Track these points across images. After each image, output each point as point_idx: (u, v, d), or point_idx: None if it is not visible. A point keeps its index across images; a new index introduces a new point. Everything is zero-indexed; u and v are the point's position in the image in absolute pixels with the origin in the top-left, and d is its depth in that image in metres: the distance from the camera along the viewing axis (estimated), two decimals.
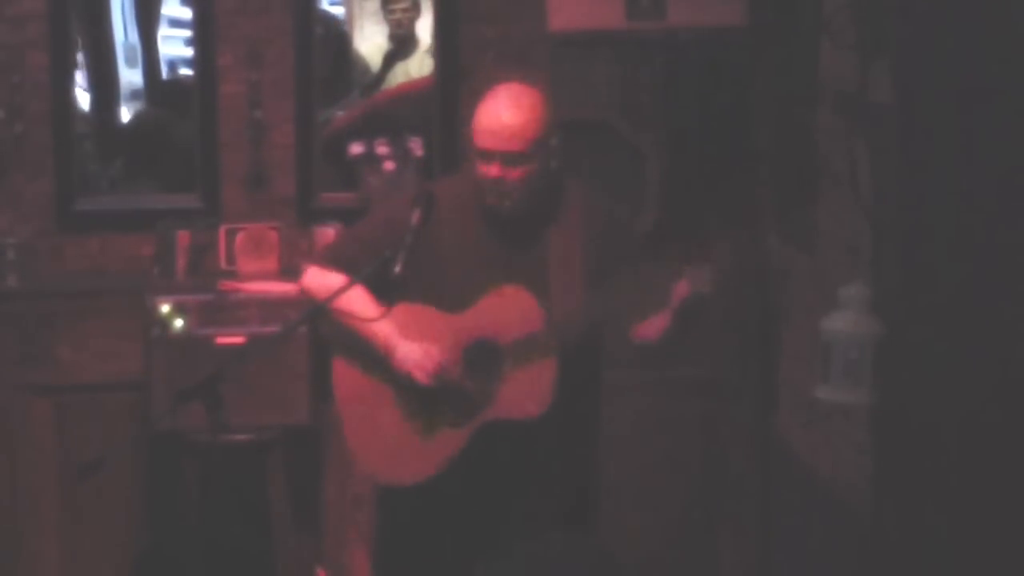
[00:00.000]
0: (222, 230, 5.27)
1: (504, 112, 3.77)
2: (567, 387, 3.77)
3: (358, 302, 3.79)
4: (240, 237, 5.25)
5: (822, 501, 4.63)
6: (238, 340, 4.96)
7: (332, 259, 3.92)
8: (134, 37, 6.32)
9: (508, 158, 3.74)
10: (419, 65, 5.80)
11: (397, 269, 3.69)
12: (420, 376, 3.77)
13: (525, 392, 3.75)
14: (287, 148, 5.38)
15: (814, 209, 4.72)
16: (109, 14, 6.15)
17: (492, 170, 3.74)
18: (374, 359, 3.84)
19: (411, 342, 3.79)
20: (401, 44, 5.90)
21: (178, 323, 5.01)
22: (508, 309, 3.76)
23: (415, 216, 3.78)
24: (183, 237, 5.26)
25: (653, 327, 3.84)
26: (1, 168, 5.27)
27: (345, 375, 3.91)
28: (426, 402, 3.82)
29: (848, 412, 4.29)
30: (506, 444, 3.78)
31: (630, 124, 5.30)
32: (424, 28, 5.77)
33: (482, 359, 3.78)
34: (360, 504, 5.20)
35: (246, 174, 5.37)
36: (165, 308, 5.01)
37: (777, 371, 5.21)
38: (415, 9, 5.87)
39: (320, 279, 3.90)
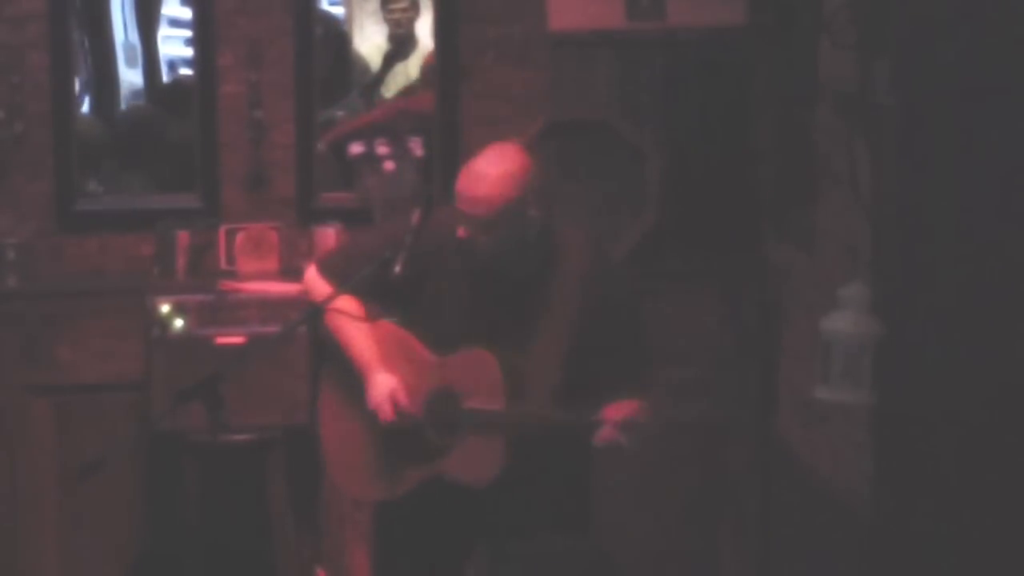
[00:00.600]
0: (222, 230, 5.27)
1: (479, 178, 3.74)
2: (528, 466, 3.80)
3: (358, 332, 3.91)
4: (240, 237, 5.24)
5: (822, 501, 4.63)
6: (238, 340, 4.96)
7: (331, 272, 3.96)
8: (134, 37, 6.32)
9: (476, 223, 3.73)
10: (419, 65, 5.80)
11: (397, 269, 3.70)
12: (380, 414, 3.86)
13: (474, 461, 3.81)
14: (287, 148, 5.38)
15: (814, 209, 4.72)
16: (109, 14, 6.15)
17: (460, 230, 3.75)
18: (356, 378, 3.92)
19: (386, 374, 3.86)
20: (400, 44, 5.90)
21: (178, 323, 5.01)
22: (479, 373, 3.79)
23: (415, 216, 3.78)
24: (183, 237, 5.26)
25: (622, 409, 3.86)
26: (1, 168, 5.27)
27: (333, 383, 4.01)
28: (392, 431, 3.89)
29: (848, 412, 4.29)
30: (458, 498, 3.87)
31: (630, 124, 5.30)
32: (424, 28, 5.77)
33: (444, 409, 3.84)
34: (360, 504, 5.20)
35: (246, 174, 5.37)
36: (165, 308, 5.01)
37: (777, 371, 5.21)
38: (414, 9, 5.87)
39: (318, 285, 3.97)
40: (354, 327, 3.88)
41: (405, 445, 3.88)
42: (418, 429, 3.85)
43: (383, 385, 3.85)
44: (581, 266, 3.87)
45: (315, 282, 3.98)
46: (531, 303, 3.82)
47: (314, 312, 3.78)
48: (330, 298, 3.84)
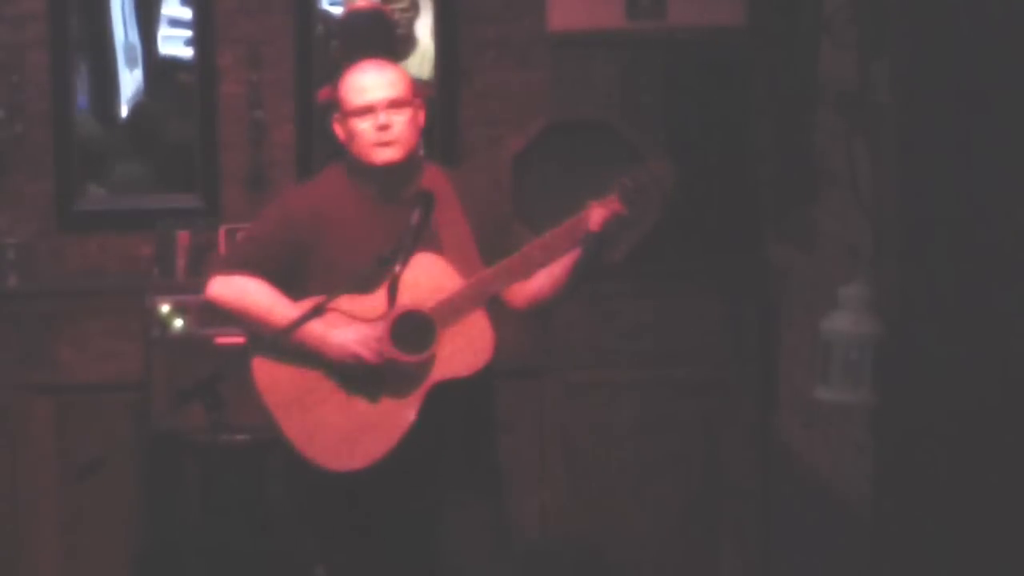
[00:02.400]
0: (222, 230, 5.27)
1: (376, 67, 3.88)
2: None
3: (276, 303, 3.81)
4: (240, 237, 5.24)
5: (822, 501, 4.63)
6: (238, 340, 4.94)
7: (241, 264, 3.88)
8: (134, 37, 6.31)
9: (392, 104, 3.81)
10: (418, 65, 5.80)
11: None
12: (368, 355, 3.76)
13: (464, 347, 3.78)
14: (287, 148, 5.39)
15: (814, 209, 4.72)
16: (109, 14, 6.14)
17: (379, 118, 3.79)
18: (303, 356, 3.82)
19: (341, 328, 3.78)
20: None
21: (178, 323, 5.01)
22: (422, 277, 3.77)
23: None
24: (183, 237, 5.26)
25: (547, 277, 3.87)
26: (1, 168, 5.28)
27: (272, 376, 3.85)
28: (367, 380, 3.81)
29: (848, 412, 4.29)
30: (454, 406, 3.80)
31: (630, 124, 5.30)
32: (424, 28, 5.77)
33: (411, 330, 3.79)
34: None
35: (246, 174, 5.37)
36: (165, 308, 5.01)
37: (777, 371, 5.21)
38: (414, 9, 5.87)
39: (229, 287, 3.86)
40: (285, 310, 3.79)
41: (382, 385, 3.81)
42: (394, 366, 3.78)
43: (348, 335, 3.77)
44: (449, 174, 3.97)
45: (227, 285, 3.85)
46: (419, 221, 3.80)
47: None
48: (320, 305, 3.74)
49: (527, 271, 3.82)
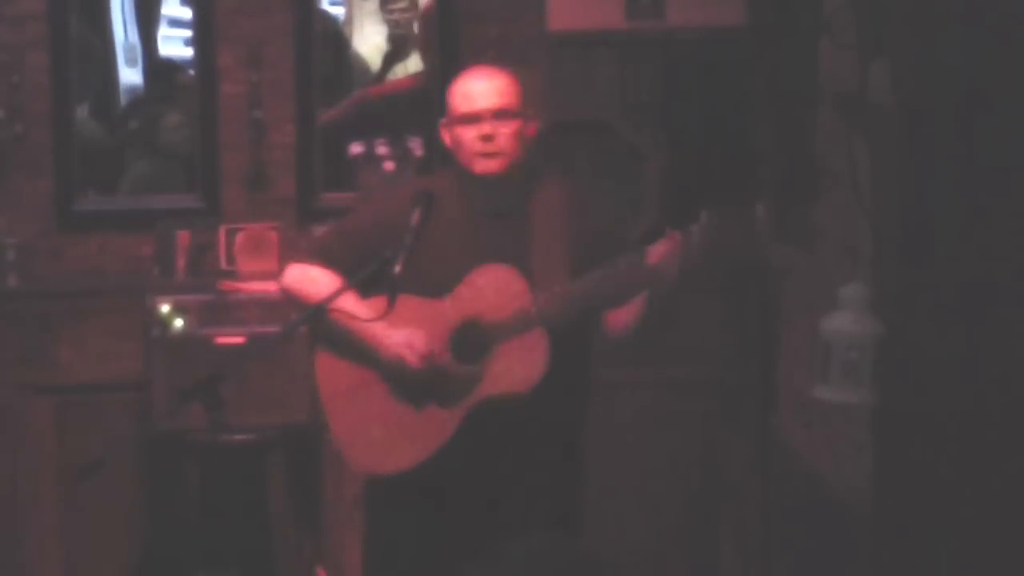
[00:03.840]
0: (222, 230, 5.27)
1: (485, 75, 3.82)
2: (555, 367, 3.73)
3: (348, 300, 3.78)
4: (240, 237, 5.25)
5: (822, 501, 4.63)
6: (238, 340, 4.96)
7: (318, 254, 3.88)
8: (134, 37, 6.32)
9: (499, 114, 3.75)
10: (418, 65, 5.80)
11: (397, 269, 3.69)
12: (411, 359, 3.73)
13: (515, 366, 3.72)
14: (287, 148, 5.39)
15: (814, 209, 4.72)
16: (109, 14, 6.15)
17: (484, 128, 3.74)
18: (360, 353, 3.81)
19: (397, 329, 3.76)
20: (400, 44, 5.90)
21: (178, 323, 5.01)
22: (491, 288, 3.74)
23: (415, 216, 3.77)
24: (183, 237, 5.26)
25: (627, 311, 3.80)
26: (1, 168, 5.28)
27: (331, 369, 3.87)
28: (416, 386, 3.78)
29: (848, 412, 4.29)
30: (498, 426, 3.75)
31: (630, 124, 5.31)
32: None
33: (470, 340, 3.76)
34: (360, 504, 5.20)
35: (246, 174, 5.38)
36: (165, 308, 5.01)
37: (777, 371, 5.21)
38: (414, 9, 5.87)
39: (303, 276, 3.86)
40: (355, 308, 3.76)
41: (430, 393, 3.77)
42: (442, 374, 3.74)
43: (400, 336, 3.74)
44: (569, 191, 3.88)
45: (301, 274, 3.86)
46: (524, 228, 3.77)
47: (314, 312, 3.75)
48: (338, 291, 3.72)
49: (596, 305, 3.74)
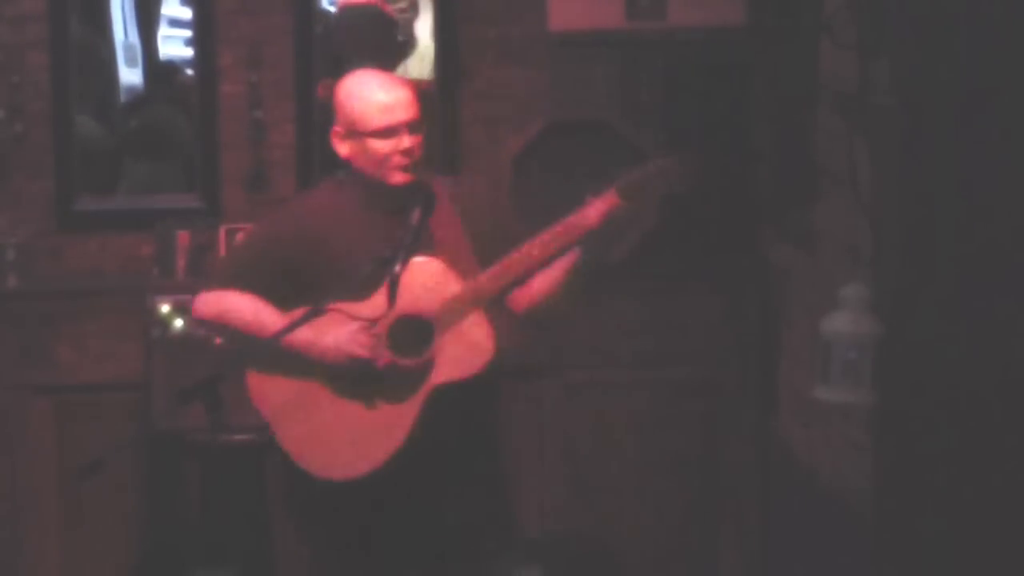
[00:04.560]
0: (222, 230, 5.27)
1: (391, 85, 3.79)
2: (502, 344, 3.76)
3: (265, 313, 3.76)
4: (240, 237, 5.24)
5: (822, 501, 4.64)
6: None
7: (232, 280, 3.80)
8: (134, 37, 6.32)
9: (412, 126, 3.76)
10: (418, 65, 5.80)
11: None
12: (359, 350, 3.70)
13: (463, 350, 3.72)
14: (287, 148, 5.39)
15: (814, 209, 4.72)
16: (109, 14, 6.15)
17: (404, 141, 3.74)
18: (294, 363, 3.76)
19: (333, 331, 3.73)
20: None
21: (178, 323, 5.01)
22: (418, 281, 3.73)
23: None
24: (183, 237, 5.26)
25: (538, 282, 3.81)
26: (1, 168, 5.28)
27: (266, 387, 3.81)
28: (364, 385, 3.76)
29: (848, 412, 4.29)
30: (453, 416, 3.76)
31: (630, 124, 5.31)
32: (424, 28, 5.77)
33: (408, 335, 3.75)
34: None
35: (246, 174, 5.37)
36: (165, 308, 5.01)
37: (777, 371, 5.21)
38: (413, 9, 5.87)
39: (212, 302, 3.80)
40: (265, 312, 3.75)
41: (380, 389, 3.76)
42: (391, 368, 3.72)
43: (339, 335, 3.71)
44: (449, 188, 3.90)
45: (216, 302, 3.79)
46: (419, 220, 3.76)
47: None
48: (308, 314, 3.67)
49: (525, 271, 3.75)
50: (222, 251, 5.25)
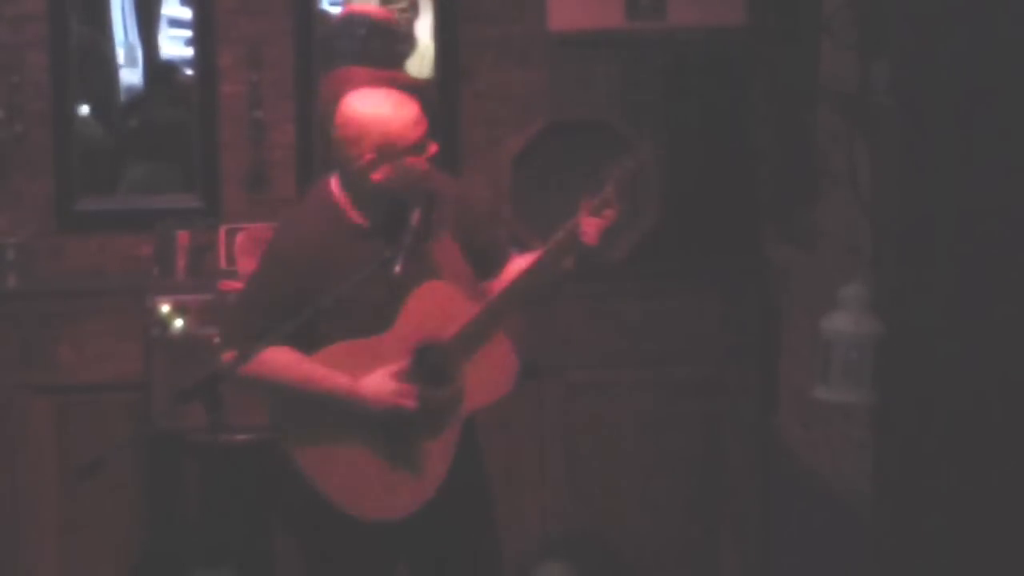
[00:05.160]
0: (222, 230, 5.27)
1: (404, 105, 3.79)
2: None
3: (303, 365, 3.74)
4: (240, 237, 5.24)
5: (822, 501, 4.63)
6: None
7: (252, 336, 3.72)
8: (134, 37, 6.31)
9: (417, 148, 3.78)
10: (418, 65, 5.80)
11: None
12: (407, 402, 3.72)
13: (491, 372, 3.75)
14: (287, 148, 5.38)
15: (814, 209, 4.72)
16: (109, 14, 6.14)
17: (424, 159, 3.76)
18: (335, 411, 3.76)
19: (368, 379, 3.72)
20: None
21: (178, 323, 5.00)
22: (434, 307, 3.74)
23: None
24: (183, 237, 5.26)
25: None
26: (1, 168, 5.28)
27: (304, 451, 3.82)
28: (398, 425, 3.77)
29: (848, 412, 4.29)
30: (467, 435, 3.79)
31: (630, 124, 5.30)
32: (424, 28, 5.77)
33: (431, 365, 3.76)
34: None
35: (246, 174, 5.37)
36: (165, 308, 5.01)
37: (777, 371, 5.21)
38: (413, 9, 5.87)
39: (257, 363, 3.70)
40: (303, 364, 3.74)
41: (411, 430, 3.77)
42: (424, 405, 3.74)
43: (379, 385, 3.73)
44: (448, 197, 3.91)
45: (249, 368, 3.71)
46: (419, 220, 3.77)
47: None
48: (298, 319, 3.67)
49: (536, 288, 3.77)
50: (222, 251, 5.24)
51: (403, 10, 5.89)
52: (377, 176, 3.74)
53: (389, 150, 3.72)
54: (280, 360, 3.74)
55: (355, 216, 3.81)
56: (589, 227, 3.74)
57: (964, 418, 3.56)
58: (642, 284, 5.30)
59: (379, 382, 3.73)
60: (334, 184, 3.83)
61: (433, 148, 3.79)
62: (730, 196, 5.34)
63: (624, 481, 5.33)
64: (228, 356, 3.79)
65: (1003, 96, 3.39)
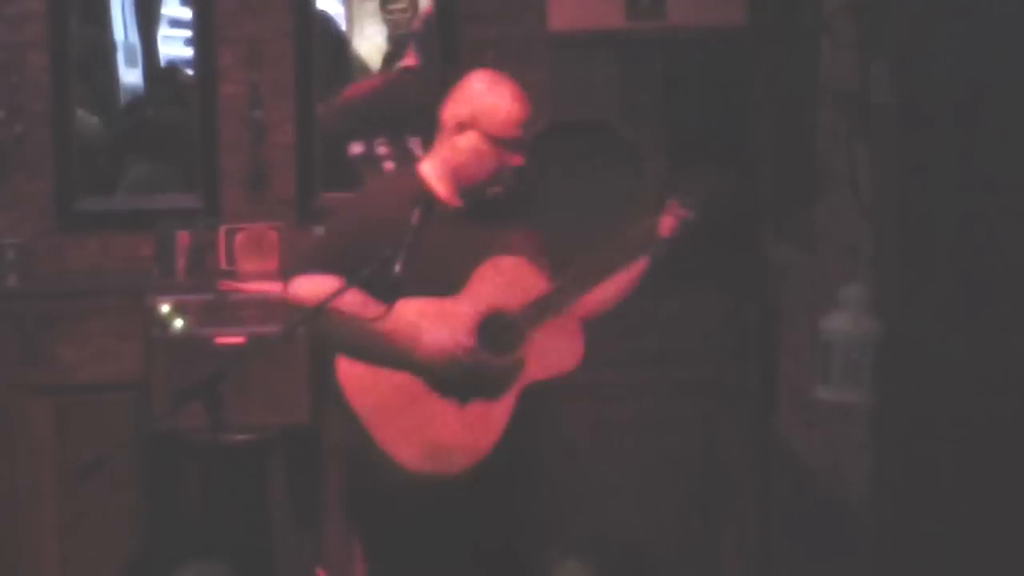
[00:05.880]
0: (222, 230, 5.27)
1: (520, 101, 3.90)
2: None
3: (358, 305, 3.77)
4: (240, 237, 5.24)
5: (822, 501, 4.64)
6: (238, 340, 4.96)
7: (318, 263, 3.87)
8: (134, 37, 6.32)
9: (515, 144, 3.86)
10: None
11: (397, 269, 3.69)
12: (462, 353, 3.75)
13: (557, 347, 3.79)
14: (287, 148, 5.38)
15: (814, 209, 4.72)
16: (109, 14, 6.15)
17: (517, 158, 3.80)
18: (390, 358, 3.79)
19: (431, 329, 3.77)
20: (400, 45, 5.90)
21: (178, 323, 5.01)
22: (505, 278, 3.77)
23: (415, 216, 3.78)
24: (183, 237, 5.26)
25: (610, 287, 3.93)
26: (1, 168, 5.28)
27: (361, 380, 3.84)
28: (459, 383, 3.80)
29: (848, 412, 4.29)
30: (539, 413, 3.81)
31: (630, 124, 5.31)
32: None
33: (497, 333, 3.78)
34: (346, 515, 5.20)
35: (246, 174, 5.37)
36: (165, 308, 5.01)
37: (777, 371, 5.21)
38: (413, 9, 5.87)
39: (310, 286, 3.83)
40: (366, 311, 3.76)
41: (477, 388, 3.78)
42: (484, 367, 3.76)
43: (439, 337, 3.75)
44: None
45: (307, 284, 3.83)
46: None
47: (314, 312, 3.75)
48: (338, 292, 3.72)
49: (607, 275, 3.83)
50: (222, 251, 5.25)
51: (403, 10, 5.89)
52: (462, 140, 3.93)
53: (480, 121, 3.92)
54: (330, 290, 3.76)
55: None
56: (666, 221, 3.87)
57: (964, 418, 3.56)
58: (642, 284, 5.29)
59: (442, 335, 3.77)
60: None
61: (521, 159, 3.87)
62: (730, 196, 5.34)
63: (624, 481, 5.33)
64: (296, 277, 3.87)
65: (1003, 96, 3.38)
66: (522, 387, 3.78)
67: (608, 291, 3.94)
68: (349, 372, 3.86)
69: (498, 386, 3.79)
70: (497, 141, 3.81)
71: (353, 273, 3.74)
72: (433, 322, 3.77)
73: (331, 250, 3.90)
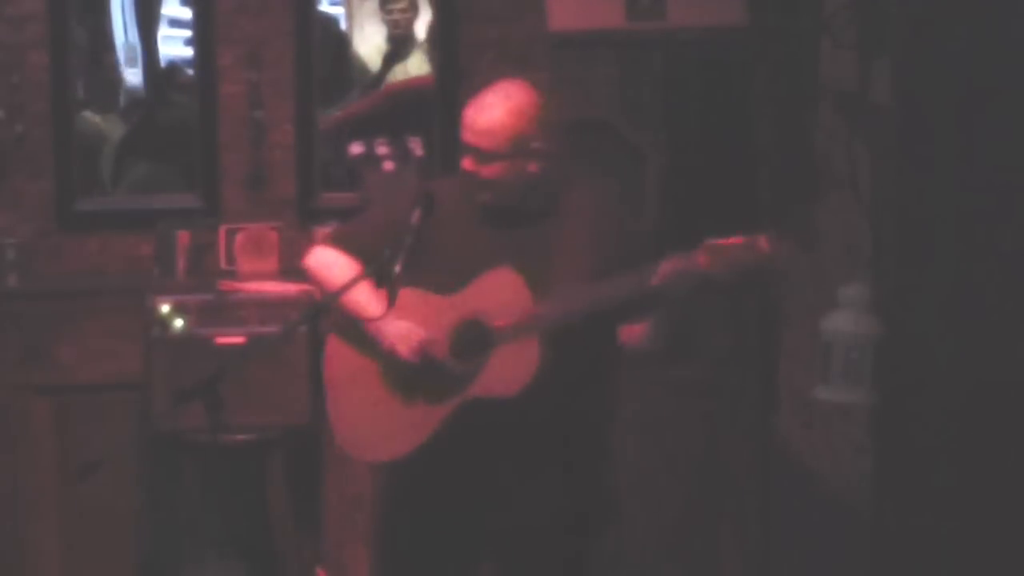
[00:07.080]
0: (222, 230, 5.27)
1: (487, 109, 3.80)
2: (560, 372, 3.72)
3: (361, 290, 3.81)
4: (240, 237, 5.25)
5: (822, 501, 4.64)
6: (238, 340, 4.96)
7: (341, 240, 3.94)
8: (134, 37, 6.32)
9: (480, 155, 3.76)
10: (418, 65, 5.80)
11: (397, 269, 3.69)
12: (402, 350, 3.77)
13: (506, 371, 3.73)
14: (287, 148, 5.39)
15: (814, 209, 4.72)
16: (109, 14, 6.15)
17: (466, 162, 3.78)
18: (364, 341, 3.85)
19: (397, 320, 3.78)
20: (399, 45, 5.90)
21: (178, 323, 5.01)
22: (497, 291, 3.76)
23: (415, 216, 3.78)
24: (183, 237, 5.26)
25: (637, 328, 3.84)
26: (1, 168, 5.28)
27: (337, 353, 3.93)
28: (408, 379, 3.81)
29: (848, 412, 4.29)
30: (488, 427, 3.76)
31: (630, 124, 5.30)
32: (423, 28, 5.77)
33: (471, 339, 3.77)
34: (360, 504, 5.20)
35: (246, 174, 5.37)
36: (165, 308, 5.01)
37: (777, 371, 5.21)
38: (413, 9, 5.87)
39: (325, 259, 3.92)
40: (367, 301, 3.81)
41: (421, 386, 3.79)
42: (437, 367, 3.76)
43: (397, 327, 3.78)
44: (595, 202, 3.87)
45: (322, 256, 3.92)
46: (542, 235, 3.77)
47: (314, 312, 3.76)
48: (349, 284, 3.76)
49: (591, 308, 3.70)
50: (222, 251, 5.25)
51: (403, 10, 5.89)
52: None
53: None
54: (342, 268, 3.85)
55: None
56: (661, 272, 3.65)
57: (964, 418, 3.56)
58: None
59: (401, 325, 3.78)
60: None
61: (487, 171, 3.80)
62: (730, 196, 5.34)
63: (623, 481, 5.32)
64: (318, 247, 3.96)
65: (1003, 96, 3.39)
66: (461, 400, 3.75)
67: (626, 332, 3.89)
68: (332, 341, 3.93)
69: (442, 391, 3.78)
70: (465, 148, 3.80)
71: (361, 255, 3.81)
72: (417, 311, 3.79)
73: (359, 233, 3.96)
